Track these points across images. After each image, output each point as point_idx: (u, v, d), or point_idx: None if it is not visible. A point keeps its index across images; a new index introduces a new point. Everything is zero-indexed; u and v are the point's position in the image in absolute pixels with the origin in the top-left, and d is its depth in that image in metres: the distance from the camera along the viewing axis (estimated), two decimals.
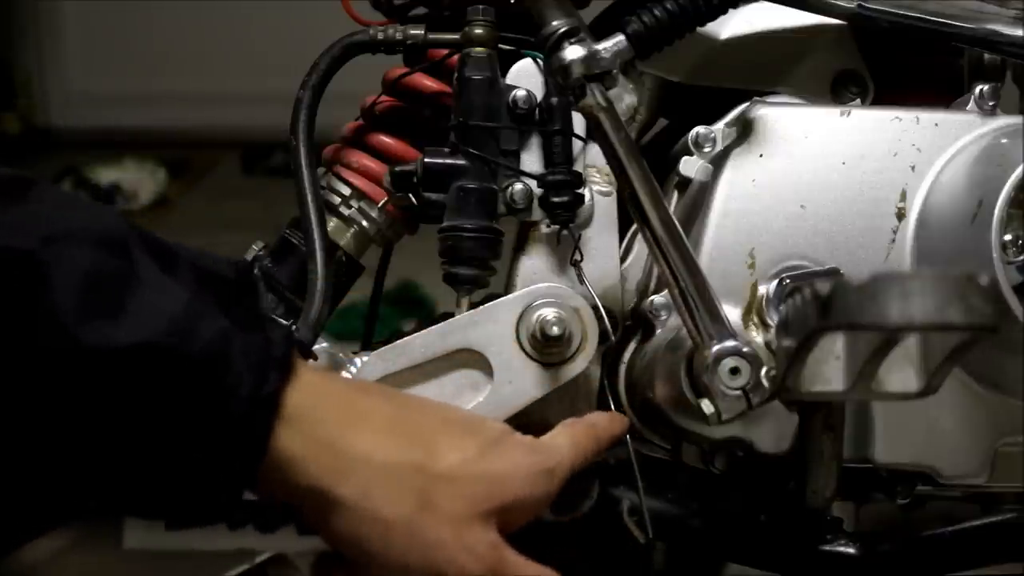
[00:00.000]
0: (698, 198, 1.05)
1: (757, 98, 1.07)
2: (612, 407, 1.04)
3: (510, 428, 0.91)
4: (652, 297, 1.04)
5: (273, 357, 0.78)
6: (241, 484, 0.80)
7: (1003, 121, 1.04)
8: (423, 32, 1.05)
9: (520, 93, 1.01)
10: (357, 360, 0.98)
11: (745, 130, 1.04)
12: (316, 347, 0.98)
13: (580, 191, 1.01)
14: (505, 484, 0.86)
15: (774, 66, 1.09)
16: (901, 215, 1.03)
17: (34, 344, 0.71)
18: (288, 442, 0.79)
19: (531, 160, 1.02)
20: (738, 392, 0.93)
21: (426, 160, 1.00)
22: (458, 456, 0.85)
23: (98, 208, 0.79)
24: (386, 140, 1.08)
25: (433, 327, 1.00)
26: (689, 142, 1.04)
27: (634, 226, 1.04)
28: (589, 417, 0.98)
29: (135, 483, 0.77)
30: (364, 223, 1.08)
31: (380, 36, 1.05)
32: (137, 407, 0.74)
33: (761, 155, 1.04)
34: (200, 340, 0.75)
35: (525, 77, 1.03)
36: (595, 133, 0.98)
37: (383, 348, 0.99)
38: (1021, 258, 0.98)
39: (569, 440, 0.92)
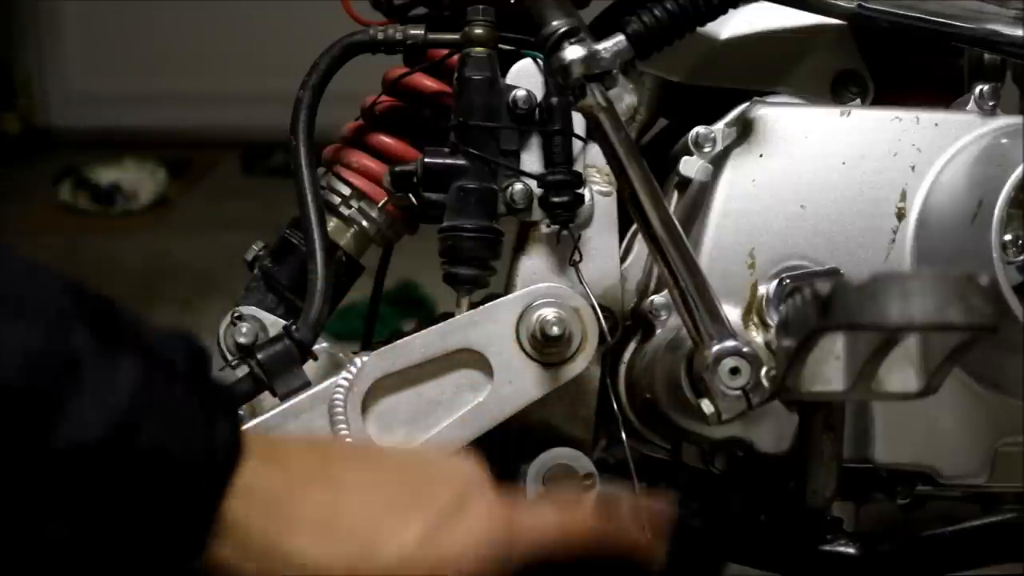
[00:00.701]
0: (698, 198, 1.05)
1: (757, 98, 1.07)
2: (613, 407, 1.04)
3: (479, 479, 0.81)
4: (652, 297, 1.05)
5: (215, 463, 0.73)
6: None
7: (1003, 121, 1.04)
8: (423, 32, 1.05)
9: (520, 93, 1.01)
10: (357, 360, 0.98)
11: (745, 130, 1.04)
12: (316, 347, 0.99)
13: (580, 191, 1.01)
14: (452, 566, 0.78)
15: (774, 66, 1.09)
16: (901, 215, 1.03)
17: None
18: (222, 553, 0.74)
19: (531, 160, 1.02)
20: (738, 392, 0.93)
21: (426, 160, 1.00)
22: (398, 544, 0.77)
23: (47, 279, 0.71)
24: (386, 140, 1.08)
25: (433, 327, 1.00)
26: (689, 142, 1.04)
27: (634, 226, 1.05)
28: (615, 500, 0.86)
29: None
30: (364, 223, 1.08)
31: (380, 36, 1.05)
32: (65, 507, 0.68)
33: (761, 155, 1.04)
34: (142, 442, 0.69)
35: (525, 77, 1.03)
36: (595, 133, 0.98)
37: (383, 348, 0.99)
38: (1021, 258, 0.98)
39: (554, 516, 0.83)
